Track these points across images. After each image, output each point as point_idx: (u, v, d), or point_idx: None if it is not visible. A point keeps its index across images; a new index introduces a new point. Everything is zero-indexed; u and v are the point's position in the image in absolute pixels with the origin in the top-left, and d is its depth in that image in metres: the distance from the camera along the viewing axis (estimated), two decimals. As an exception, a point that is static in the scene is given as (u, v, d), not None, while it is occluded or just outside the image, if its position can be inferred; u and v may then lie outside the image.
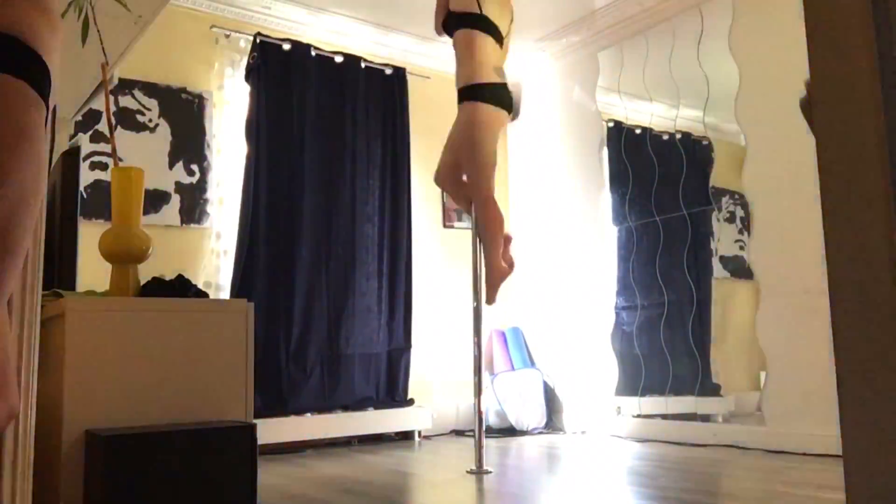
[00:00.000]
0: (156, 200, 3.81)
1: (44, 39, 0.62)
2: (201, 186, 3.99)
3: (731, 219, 4.07)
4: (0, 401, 0.55)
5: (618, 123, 4.64)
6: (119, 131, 3.71)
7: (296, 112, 4.22)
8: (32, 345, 1.28)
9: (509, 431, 4.52)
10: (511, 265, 3.18)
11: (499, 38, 3.06)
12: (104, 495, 1.69)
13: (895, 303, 0.61)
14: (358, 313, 4.30)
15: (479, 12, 2.99)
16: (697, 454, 3.50)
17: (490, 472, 3.07)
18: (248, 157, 4.03)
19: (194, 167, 3.98)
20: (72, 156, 2.35)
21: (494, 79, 2.98)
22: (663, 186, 4.33)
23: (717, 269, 4.11)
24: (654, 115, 4.45)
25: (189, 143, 3.97)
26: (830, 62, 0.67)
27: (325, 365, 4.16)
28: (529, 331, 4.96)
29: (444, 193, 4.87)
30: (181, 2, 3.98)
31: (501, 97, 3.00)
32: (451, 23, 3.10)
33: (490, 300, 3.10)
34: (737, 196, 3.94)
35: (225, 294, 3.92)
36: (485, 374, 3.92)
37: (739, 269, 3.97)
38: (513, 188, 5.23)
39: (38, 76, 0.60)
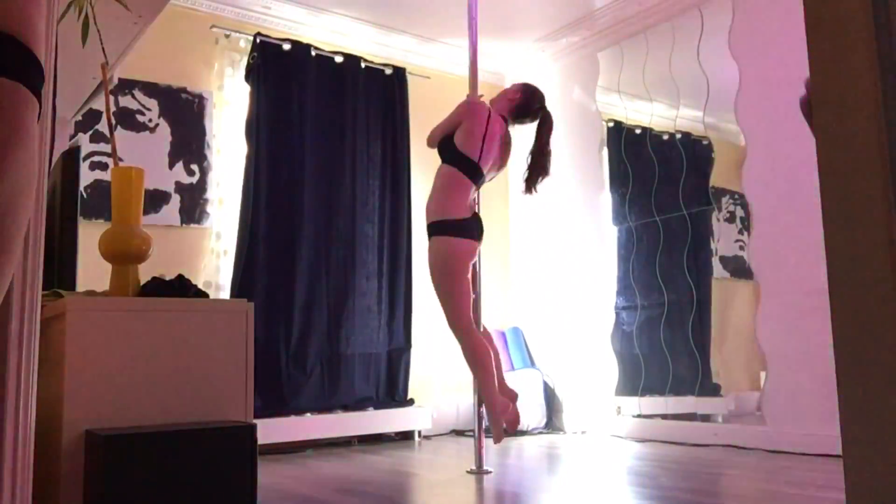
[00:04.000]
0: (156, 200, 3.81)
1: (38, 32, 0.62)
2: (201, 186, 3.98)
3: (731, 219, 4.07)
4: None
5: (618, 123, 4.64)
6: (119, 131, 3.71)
7: (296, 112, 4.22)
8: (32, 345, 1.28)
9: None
10: (513, 400, 3.18)
11: (479, 185, 3.25)
12: (104, 495, 1.69)
13: (895, 303, 0.61)
14: (358, 313, 4.30)
15: (475, 160, 3.13)
16: (697, 454, 3.50)
17: (490, 472, 3.07)
18: (248, 157, 4.02)
19: (194, 167, 3.98)
20: (72, 156, 2.35)
21: (465, 215, 3.14)
22: (663, 186, 4.33)
23: (717, 269, 4.11)
24: (654, 115, 4.45)
25: (189, 143, 3.97)
26: (830, 62, 0.67)
27: (325, 365, 4.16)
28: (529, 331, 4.96)
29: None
30: (181, 2, 3.98)
31: (472, 228, 3.16)
32: (445, 155, 3.21)
33: (496, 440, 3.09)
34: (737, 196, 3.94)
35: (225, 294, 3.92)
36: (485, 374, 3.91)
37: (739, 269, 3.97)
38: (513, 188, 5.23)
39: (33, 76, 0.61)
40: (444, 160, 3.21)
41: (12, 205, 0.58)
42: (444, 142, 3.21)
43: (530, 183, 3.25)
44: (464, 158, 3.12)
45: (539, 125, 3.31)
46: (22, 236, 0.61)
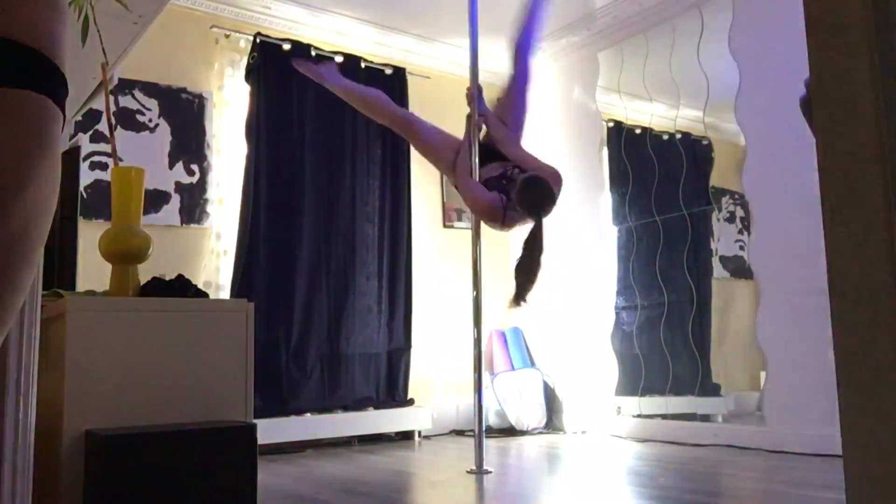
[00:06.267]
0: (156, 200, 3.80)
1: (61, 45, 0.63)
2: (201, 186, 3.98)
3: (731, 219, 4.07)
4: None
5: (618, 123, 4.64)
6: (119, 131, 3.71)
7: (296, 112, 4.22)
8: (32, 345, 1.28)
9: (509, 431, 4.52)
10: None
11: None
12: (104, 495, 1.69)
13: (895, 303, 0.61)
14: (358, 313, 4.30)
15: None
16: (697, 454, 3.49)
17: (490, 472, 3.07)
18: (248, 157, 4.02)
19: (194, 167, 3.98)
20: (72, 156, 2.35)
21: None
22: (663, 186, 4.32)
23: (717, 269, 4.11)
24: (654, 115, 4.45)
25: (189, 143, 3.97)
26: (830, 62, 0.67)
27: (325, 365, 4.16)
28: (529, 331, 4.96)
29: (444, 193, 4.87)
30: (181, 2, 3.98)
31: None
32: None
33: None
34: (737, 196, 3.94)
35: (225, 294, 3.92)
36: (485, 374, 3.92)
37: (739, 269, 3.97)
38: (513, 188, 5.23)
39: (57, 89, 0.62)
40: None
41: (38, 214, 0.60)
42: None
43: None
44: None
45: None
46: (43, 243, 0.64)
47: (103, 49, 1.85)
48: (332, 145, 4.35)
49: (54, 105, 0.61)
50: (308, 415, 3.96)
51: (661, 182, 4.34)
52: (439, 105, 4.80)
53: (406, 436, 4.31)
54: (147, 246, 2.09)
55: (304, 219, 4.16)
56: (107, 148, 3.65)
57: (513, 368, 4.75)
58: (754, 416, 3.77)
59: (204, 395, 2.00)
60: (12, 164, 0.57)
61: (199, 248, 3.96)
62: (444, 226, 4.90)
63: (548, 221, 3.17)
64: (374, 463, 3.48)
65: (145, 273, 2.13)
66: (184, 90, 3.99)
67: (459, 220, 4.91)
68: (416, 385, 4.49)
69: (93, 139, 3.66)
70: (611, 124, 4.67)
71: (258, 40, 4.13)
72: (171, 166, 3.90)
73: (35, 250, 0.61)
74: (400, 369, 4.41)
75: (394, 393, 4.37)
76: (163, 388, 1.95)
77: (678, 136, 4.31)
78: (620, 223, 4.58)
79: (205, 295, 2.18)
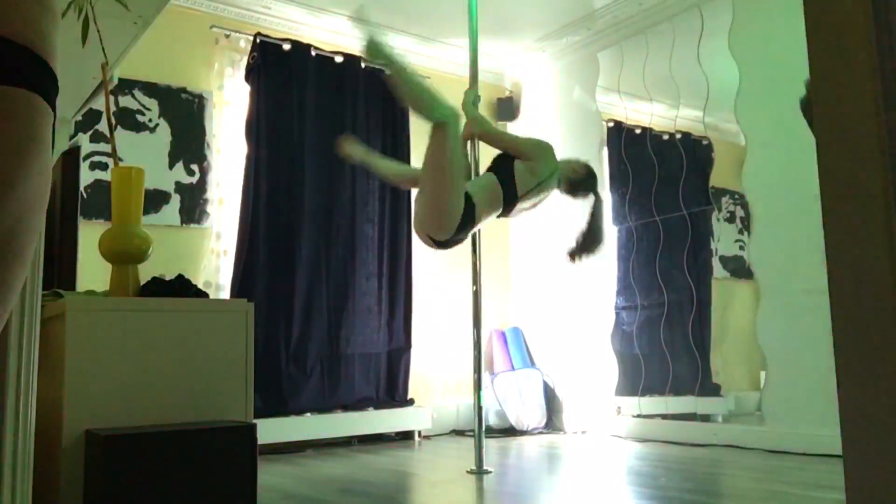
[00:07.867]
0: (156, 200, 3.80)
1: (51, 42, 0.63)
2: (201, 186, 3.98)
3: (731, 219, 4.07)
4: None
5: (618, 123, 4.64)
6: (119, 131, 3.71)
7: (296, 112, 4.22)
8: (32, 345, 1.28)
9: (509, 431, 4.52)
10: None
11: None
12: (104, 495, 1.69)
13: (895, 303, 0.61)
14: (358, 313, 4.30)
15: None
16: (697, 454, 3.49)
17: (490, 472, 3.07)
18: (248, 157, 4.02)
19: (194, 167, 3.98)
20: (72, 156, 2.35)
21: None
22: (663, 186, 4.33)
23: (717, 269, 4.11)
24: (654, 115, 4.45)
25: (189, 143, 3.97)
26: (830, 62, 0.67)
27: (325, 365, 4.16)
28: (529, 331, 4.96)
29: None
30: (181, 2, 3.98)
31: None
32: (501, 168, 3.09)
33: None
34: (737, 196, 3.94)
35: (225, 294, 3.92)
36: (485, 374, 3.92)
37: (739, 269, 3.97)
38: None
39: (47, 86, 0.62)
40: (496, 170, 3.02)
41: (29, 211, 0.60)
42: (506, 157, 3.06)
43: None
44: (512, 187, 2.97)
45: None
46: (34, 244, 0.63)
47: (103, 49, 1.84)
48: (332, 145, 4.34)
49: (44, 102, 0.61)
50: (308, 415, 3.96)
51: (661, 182, 4.34)
52: (439, 105, 4.79)
53: (406, 436, 4.31)
54: (147, 246, 2.09)
55: (304, 219, 4.16)
56: (107, 148, 3.65)
57: (513, 368, 4.75)
58: (754, 416, 3.77)
59: (204, 395, 2.00)
60: (1, 162, 0.57)
61: (199, 248, 3.96)
62: (444, 226, 4.89)
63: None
64: (374, 463, 3.48)
65: (145, 273, 2.13)
66: (184, 90, 3.99)
67: (459, 220, 4.91)
68: (416, 385, 4.49)
69: (93, 139, 3.66)
70: (611, 124, 4.67)
71: (258, 40, 4.13)
72: (171, 166, 3.90)
73: (27, 247, 0.60)
74: (400, 369, 4.41)
75: (394, 393, 4.37)
76: (163, 388, 1.95)
77: (678, 136, 4.31)
78: (620, 223, 4.58)
79: (205, 295, 2.18)
